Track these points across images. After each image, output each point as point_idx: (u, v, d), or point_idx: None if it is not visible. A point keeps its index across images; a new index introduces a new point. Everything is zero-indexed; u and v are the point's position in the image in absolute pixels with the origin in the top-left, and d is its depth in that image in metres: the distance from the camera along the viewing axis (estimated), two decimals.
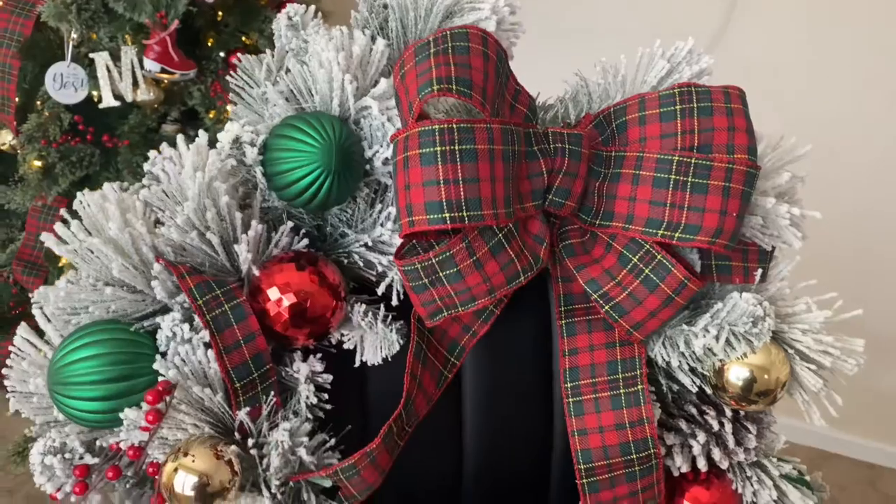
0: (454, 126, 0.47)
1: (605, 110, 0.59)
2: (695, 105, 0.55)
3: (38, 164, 1.46)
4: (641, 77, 0.63)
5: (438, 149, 0.47)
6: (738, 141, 0.55)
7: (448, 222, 0.48)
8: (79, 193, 0.52)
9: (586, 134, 0.57)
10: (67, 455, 0.54)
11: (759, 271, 0.60)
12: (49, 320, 0.53)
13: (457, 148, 0.47)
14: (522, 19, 0.62)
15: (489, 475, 0.71)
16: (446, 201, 0.47)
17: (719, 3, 1.86)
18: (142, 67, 1.45)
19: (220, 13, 1.58)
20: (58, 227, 0.50)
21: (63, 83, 1.45)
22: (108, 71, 1.44)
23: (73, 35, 1.44)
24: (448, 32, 0.51)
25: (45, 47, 1.47)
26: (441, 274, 0.52)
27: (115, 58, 1.44)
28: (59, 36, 1.45)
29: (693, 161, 0.54)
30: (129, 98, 1.45)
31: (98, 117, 1.48)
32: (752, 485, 0.61)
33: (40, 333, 0.55)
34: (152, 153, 0.56)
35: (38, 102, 1.50)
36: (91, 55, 1.43)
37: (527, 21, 0.62)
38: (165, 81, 1.51)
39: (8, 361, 0.53)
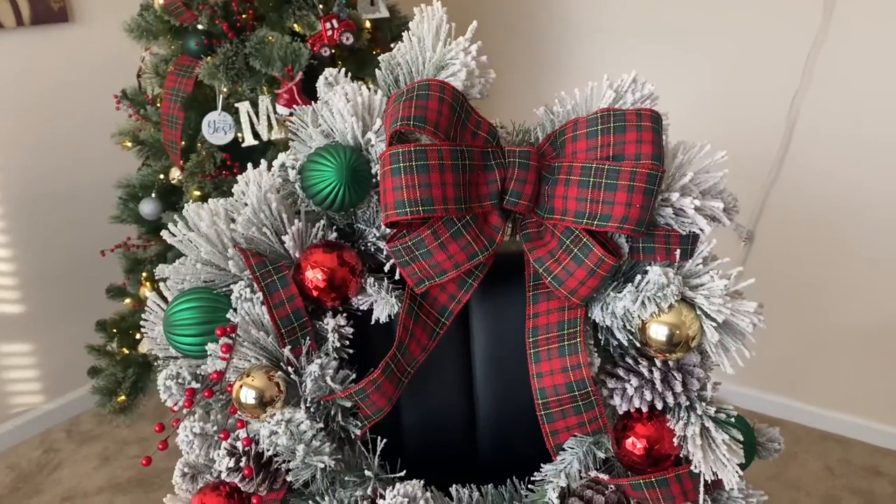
0: (411, 150, 0.69)
1: (554, 132, 0.79)
2: (611, 125, 0.74)
3: (197, 193, 1.82)
4: (595, 104, 0.81)
5: (402, 164, 0.69)
6: (643, 150, 0.72)
7: (409, 214, 0.69)
8: (186, 205, 0.79)
9: (534, 151, 0.77)
10: (180, 381, 0.80)
11: (678, 251, 0.76)
12: (168, 288, 0.80)
13: (413, 164, 0.69)
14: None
15: (498, 413, 0.91)
16: (407, 200, 0.69)
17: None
18: (275, 112, 1.78)
19: (338, 63, 1.89)
20: (170, 225, 0.78)
21: (215, 128, 1.80)
22: (249, 116, 1.78)
23: (223, 89, 1.79)
24: (416, 84, 0.73)
25: (202, 100, 1.83)
26: (416, 253, 0.74)
27: (254, 105, 1.77)
28: (212, 90, 1.81)
29: (606, 167, 0.72)
30: (265, 137, 1.78)
31: (242, 154, 1.81)
32: (682, 422, 0.77)
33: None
34: (239, 176, 0.83)
35: (199, 145, 1.86)
36: (236, 104, 1.77)
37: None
38: None
39: (143, 315, 0.81)
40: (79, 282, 2.35)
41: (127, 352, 2.03)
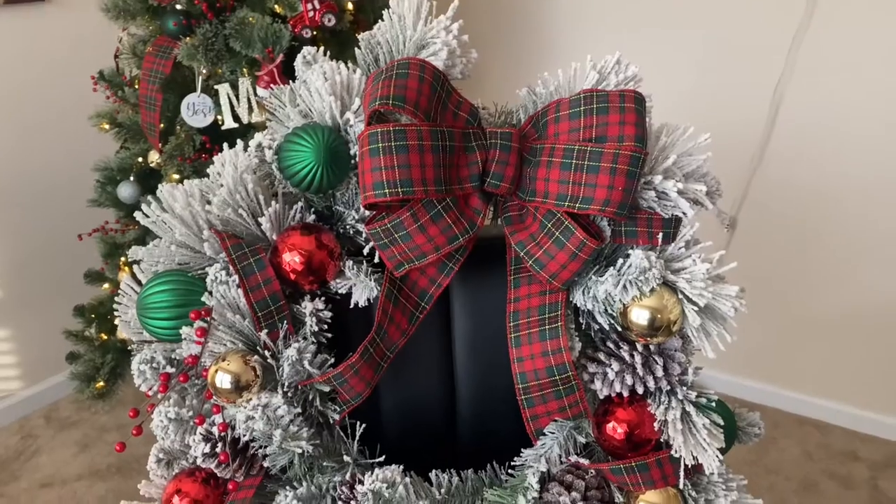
0: (390, 130, 0.68)
1: (537, 113, 0.77)
2: (594, 106, 0.72)
3: (176, 177, 1.80)
4: (579, 86, 0.80)
5: (381, 145, 0.68)
6: (626, 132, 0.71)
7: (388, 195, 0.68)
8: (160, 185, 0.77)
9: (516, 132, 0.75)
10: (154, 365, 0.79)
11: (661, 235, 0.75)
12: (142, 270, 0.78)
13: (392, 144, 0.68)
14: None
15: (478, 398, 0.90)
16: (386, 181, 0.68)
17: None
18: (255, 94, 1.75)
19: (319, 45, 1.86)
20: (143, 206, 0.76)
21: (195, 110, 1.77)
22: (229, 99, 1.75)
23: (202, 71, 1.76)
24: (395, 63, 0.72)
25: (181, 82, 1.80)
26: (396, 235, 0.73)
27: (234, 87, 1.74)
28: (192, 72, 1.78)
29: (588, 149, 0.71)
30: (245, 120, 1.76)
31: (222, 137, 1.77)
32: (663, 406, 0.76)
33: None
34: (215, 157, 0.81)
35: (178, 127, 1.83)
36: (216, 86, 1.74)
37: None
38: None
39: (116, 298, 0.80)
40: (56, 266, 2.32)
41: (105, 337, 2.01)
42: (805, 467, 2.15)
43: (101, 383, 1.97)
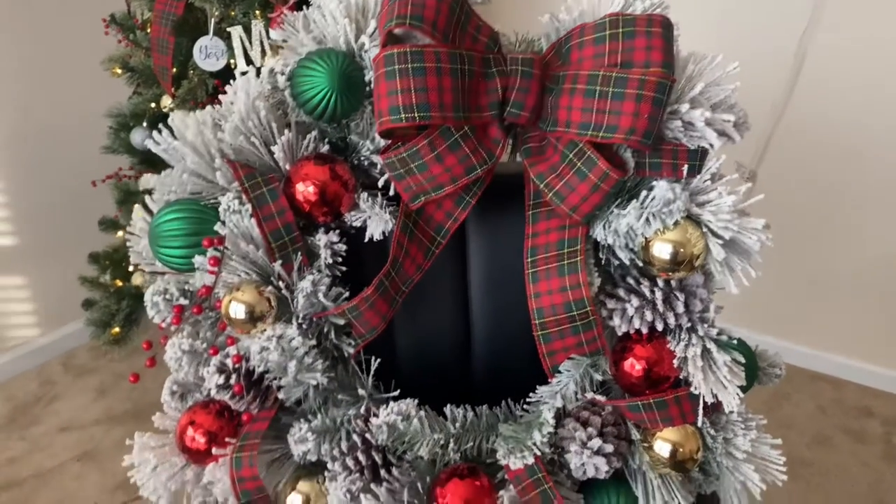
0: (407, 51, 0.65)
1: (560, 40, 0.75)
2: (620, 30, 0.69)
3: None
4: (604, 12, 0.76)
5: (397, 67, 0.65)
6: (653, 57, 0.68)
7: (404, 120, 0.66)
8: (171, 113, 0.75)
9: (538, 58, 0.73)
10: (168, 297, 0.78)
11: (686, 167, 0.73)
12: (154, 200, 0.77)
13: (409, 66, 0.65)
14: None
15: (494, 336, 0.89)
16: (402, 105, 0.66)
17: None
18: (269, 37, 1.72)
19: None
20: (154, 134, 0.74)
21: (207, 54, 1.74)
22: (242, 42, 1.72)
23: (215, 13, 1.73)
24: None
25: (193, 25, 1.76)
26: (412, 165, 0.71)
27: (247, 30, 1.71)
28: (204, 14, 1.75)
29: (613, 75, 0.68)
30: (258, 64, 1.72)
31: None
32: (682, 343, 0.75)
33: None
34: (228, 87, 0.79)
35: (190, 71, 1.81)
36: (228, 29, 1.71)
37: None
38: None
39: (128, 228, 0.79)
40: (71, 213, 2.32)
41: (120, 284, 2.01)
42: (819, 422, 2.15)
43: (117, 329, 1.98)
